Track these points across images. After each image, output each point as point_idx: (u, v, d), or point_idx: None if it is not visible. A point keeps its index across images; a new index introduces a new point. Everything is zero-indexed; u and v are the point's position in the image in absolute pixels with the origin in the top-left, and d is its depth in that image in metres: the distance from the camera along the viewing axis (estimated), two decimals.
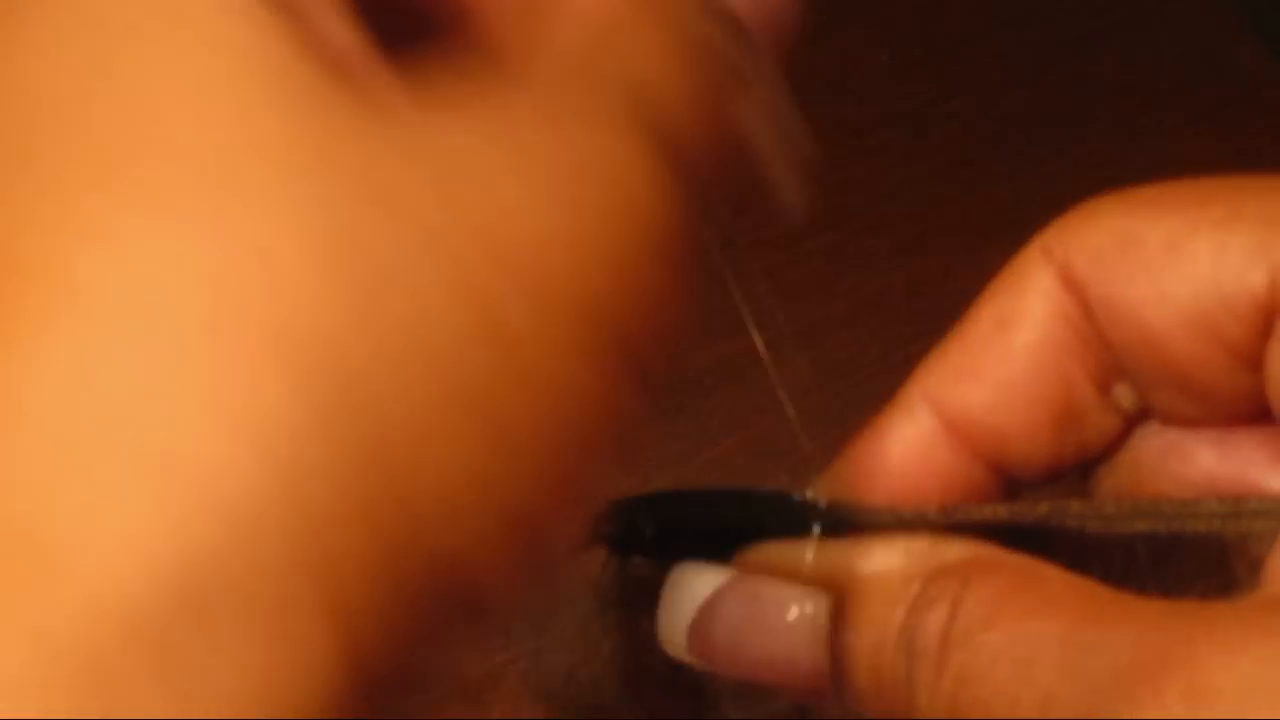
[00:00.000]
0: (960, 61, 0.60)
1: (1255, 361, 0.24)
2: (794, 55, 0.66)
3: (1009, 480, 0.27)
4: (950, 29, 0.61)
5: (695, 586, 0.26)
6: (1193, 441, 0.26)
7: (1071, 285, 0.25)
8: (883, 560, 0.24)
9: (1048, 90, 0.60)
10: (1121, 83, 0.60)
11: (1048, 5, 0.61)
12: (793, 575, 0.25)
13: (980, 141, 0.59)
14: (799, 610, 0.24)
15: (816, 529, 0.26)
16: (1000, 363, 0.26)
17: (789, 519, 0.26)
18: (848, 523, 0.26)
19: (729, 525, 0.27)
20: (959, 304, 0.62)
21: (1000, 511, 0.25)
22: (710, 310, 0.60)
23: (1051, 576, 0.23)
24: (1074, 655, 0.21)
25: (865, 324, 0.55)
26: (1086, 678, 0.21)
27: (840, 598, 0.24)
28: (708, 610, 0.25)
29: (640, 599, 0.27)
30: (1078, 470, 0.27)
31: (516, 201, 0.16)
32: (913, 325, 0.55)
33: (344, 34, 0.17)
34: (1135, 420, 0.27)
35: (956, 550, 0.24)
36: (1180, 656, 0.20)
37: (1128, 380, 0.26)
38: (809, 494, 0.26)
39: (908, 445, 0.26)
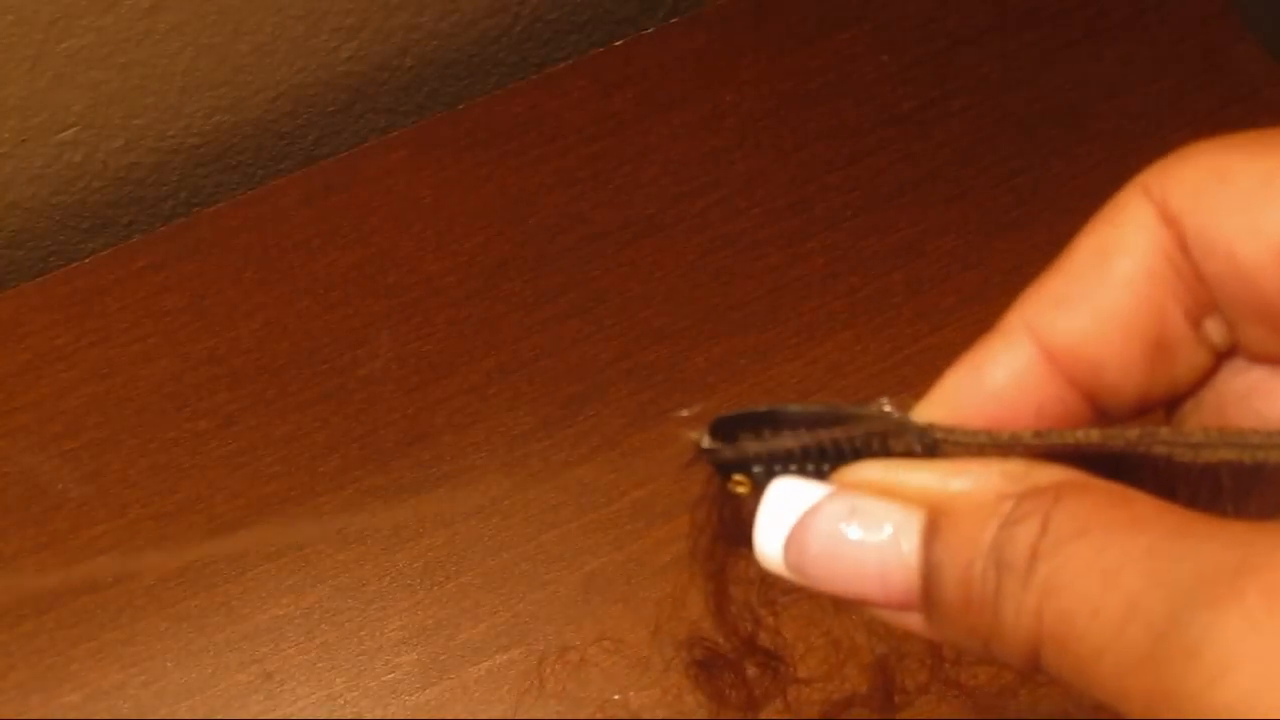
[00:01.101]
0: (960, 61, 0.60)
1: None
2: (794, 55, 0.66)
3: (1101, 413, 0.27)
4: (950, 29, 0.61)
5: (794, 499, 0.27)
6: (1277, 381, 0.27)
7: (1168, 219, 0.26)
8: (978, 479, 0.25)
9: (1048, 90, 0.60)
10: (1121, 83, 0.60)
11: (1048, 5, 0.61)
12: (889, 493, 0.26)
13: (980, 141, 0.59)
14: (894, 525, 0.25)
15: (914, 448, 0.26)
16: (1098, 292, 0.27)
17: (888, 439, 0.27)
18: (945, 444, 0.26)
19: (831, 443, 0.27)
20: (959, 304, 0.62)
21: (1093, 435, 0.25)
22: (710, 310, 0.60)
23: (1140, 499, 0.23)
24: (1160, 564, 0.21)
25: (865, 324, 0.55)
26: (1170, 583, 0.21)
27: (934, 515, 0.25)
28: (805, 522, 0.26)
29: (739, 518, 0.28)
30: (1164, 406, 0.28)
31: None
32: (913, 325, 0.55)
33: None
34: (1223, 357, 0.27)
35: (1050, 472, 0.25)
36: (1261, 562, 0.20)
37: (1219, 315, 0.26)
38: (909, 416, 0.27)
39: (1006, 371, 0.27)
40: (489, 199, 0.59)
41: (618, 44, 0.62)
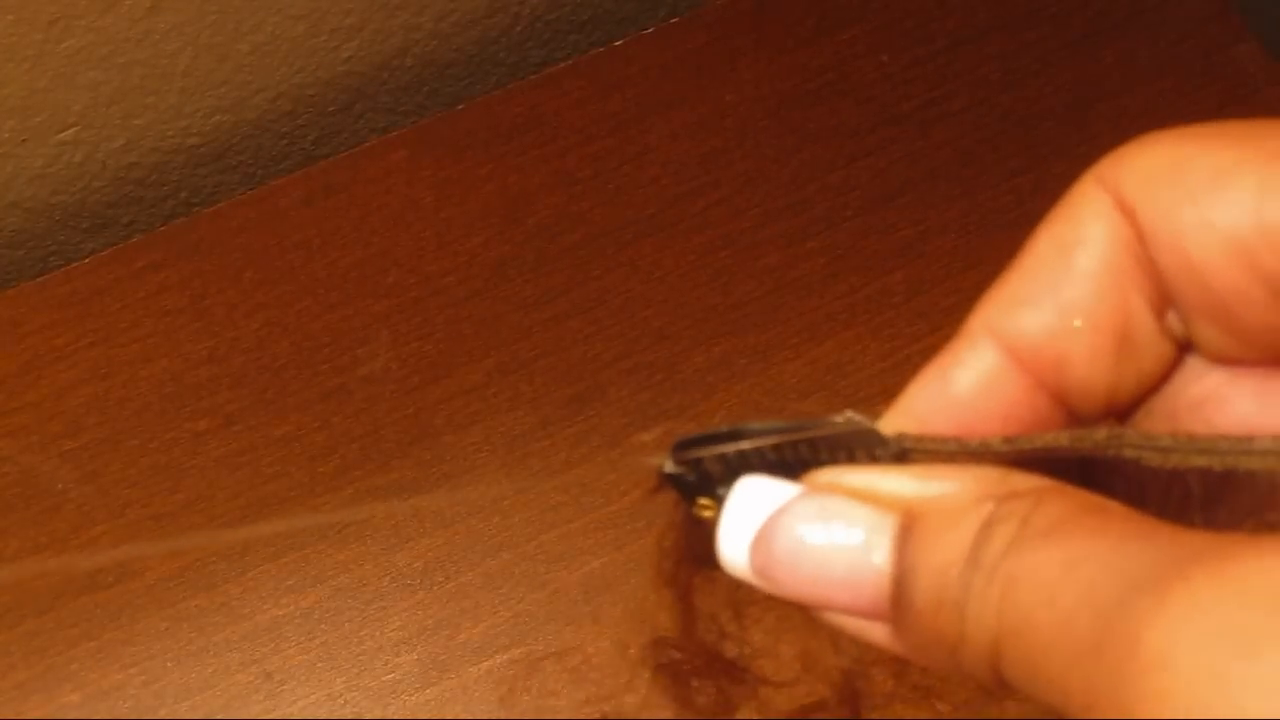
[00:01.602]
0: (960, 61, 0.60)
1: None
2: (794, 55, 0.66)
3: (1070, 415, 0.27)
4: (950, 29, 0.61)
5: (761, 500, 0.26)
6: (1232, 389, 0.26)
7: (1125, 209, 0.26)
8: (954, 483, 0.24)
9: (1048, 90, 0.60)
10: (1121, 83, 0.59)
11: (1048, 5, 0.61)
12: (860, 496, 0.25)
13: (980, 141, 0.59)
14: (866, 528, 0.25)
15: (882, 458, 0.26)
16: (1061, 286, 0.26)
17: (855, 451, 0.26)
18: (914, 453, 0.26)
19: (796, 459, 0.26)
20: (959, 304, 0.62)
21: (1061, 438, 0.25)
22: (710, 310, 0.60)
23: (1115, 507, 0.23)
24: (1118, 557, 0.21)
25: (865, 324, 0.55)
26: (1126, 574, 0.21)
27: (908, 519, 0.24)
28: (772, 524, 0.25)
29: (706, 542, 0.27)
30: (1130, 407, 0.27)
31: None
32: (913, 325, 0.55)
33: None
34: (1184, 352, 0.27)
35: (1028, 479, 0.24)
36: (1215, 552, 0.20)
37: (1176, 311, 0.26)
38: (876, 426, 0.26)
39: (972, 376, 0.26)
40: (489, 199, 0.59)
41: (618, 44, 0.62)
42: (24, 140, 0.60)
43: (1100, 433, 0.24)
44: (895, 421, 0.27)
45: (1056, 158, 0.58)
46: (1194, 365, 0.27)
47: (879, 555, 0.24)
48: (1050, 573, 0.22)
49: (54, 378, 0.56)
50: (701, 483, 0.27)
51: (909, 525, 0.24)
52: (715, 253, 0.57)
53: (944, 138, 0.59)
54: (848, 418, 0.26)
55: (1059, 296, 0.26)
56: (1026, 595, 0.22)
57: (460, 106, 0.61)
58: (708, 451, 0.27)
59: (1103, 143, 0.63)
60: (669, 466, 0.27)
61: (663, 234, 0.58)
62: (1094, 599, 0.21)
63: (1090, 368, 0.26)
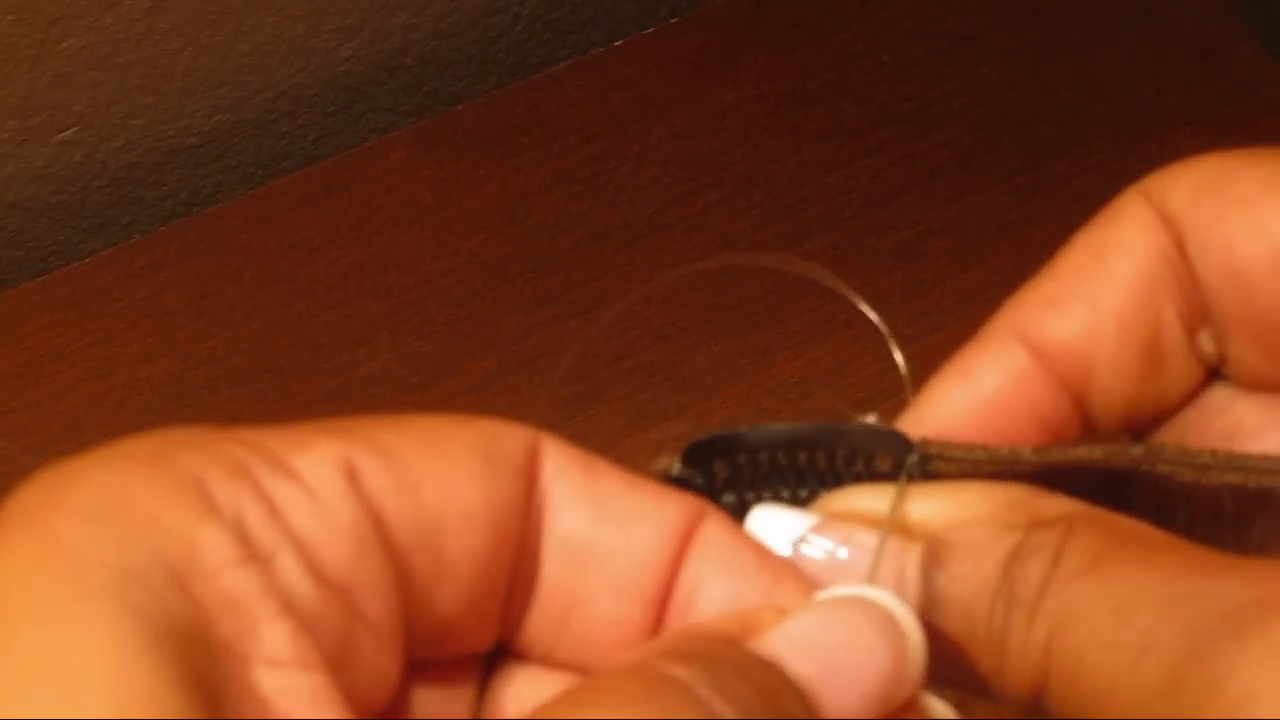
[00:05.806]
0: (960, 61, 0.60)
1: None
2: (794, 55, 0.66)
3: (1089, 425, 0.26)
4: (950, 29, 0.61)
5: (778, 530, 0.25)
6: (1262, 418, 0.26)
7: (1167, 220, 0.25)
8: (979, 509, 0.24)
9: (1048, 90, 0.60)
10: (1121, 83, 0.59)
11: (1048, 5, 0.61)
12: (881, 523, 0.24)
13: (980, 141, 0.59)
14: (889, 558, 0.24)
15: (904, 466, 0.25)
16: (1094, 289, 0.26)
17: (874, 458, 0.25)
18: (938, 460, 0.25)
19: (810, 467, 0.26)
20: (959, 304, 0.62)
21: (1095, 452, 0.24)
22: (710, 310, 0.60)
23: (1151, 533, 0.23)
24: (1177, 599, 0.21)
25: (865, 324, 0.55)
26: (1190, 619, 0.20)
27: (934, 547, 0.24)
28: (793, 554, 0.25)
29: None
30: (1150, 425, 0.27)
31: None
32: (913, 325, 0.55)
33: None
34: (1212, 377, 0.26)
35: (1057, 504, 0.24)
36: None
37: (1210, 329, 0.26)
38: (899, 430, 0.25)
39: (998, 376, 0.26)
40: (489, 199, 0.59)
41: (618, 44, 0.62)
42: (24, 140, 0.60)
43: (1138, 449, 0.24)
44: (917, 422, 0.26)
45: (1056, 158, 0.58)
46: (1223, 395, 0.26)
47: (904, 585, 0.24)
48: (1103, 615, 0.21)
49: (54, 378, 0.56)
50: (708, 488, 0.26)
51: (935, 553, 0.24)
52: (715, 253, 0.57)
53: (944, 138, 0.59)
54: (869, 423, 0.25)
55: (1092, 299, 0.26)
56: (1080, 638, 0.21)
57: (460, 106, 0.61)
58: (720, 458, 0.26)
59: (1103, 143, 0.63)
60: (676, 469, 0.26)
61: (663, 234, 0.58)
62: (1157, 641, 0.20)
63: (1116, 374, 0.26)
